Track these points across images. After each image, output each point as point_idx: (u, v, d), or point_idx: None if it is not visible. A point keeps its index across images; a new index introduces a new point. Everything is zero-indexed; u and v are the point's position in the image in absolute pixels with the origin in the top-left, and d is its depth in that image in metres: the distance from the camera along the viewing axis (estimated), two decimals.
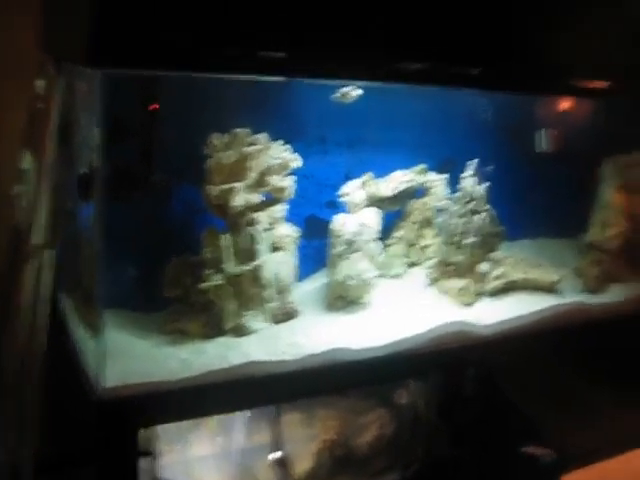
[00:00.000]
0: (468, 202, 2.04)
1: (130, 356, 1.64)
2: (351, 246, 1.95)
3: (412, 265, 2.24)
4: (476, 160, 2.06)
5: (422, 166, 2.24)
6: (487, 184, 2.06)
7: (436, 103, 2.17)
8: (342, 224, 1.97)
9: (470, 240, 2.04)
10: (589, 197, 2.48)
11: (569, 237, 2.58)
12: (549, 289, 2.18)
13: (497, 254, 2.19)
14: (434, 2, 1.64)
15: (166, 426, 1.77)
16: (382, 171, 2.20)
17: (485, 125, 2.30)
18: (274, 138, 1.89)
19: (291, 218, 2.05)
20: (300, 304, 1.94)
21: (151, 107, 1.74)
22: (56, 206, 1.68)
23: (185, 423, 1.89)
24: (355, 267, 1.94)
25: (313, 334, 1.80)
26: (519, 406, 2.21)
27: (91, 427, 1.53)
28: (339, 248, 1.96)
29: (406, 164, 2.24)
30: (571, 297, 2.20)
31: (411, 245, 2.24)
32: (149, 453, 1.70)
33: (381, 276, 2.13)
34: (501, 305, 2.09)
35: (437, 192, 2.23)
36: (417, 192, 2.26)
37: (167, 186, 1.76)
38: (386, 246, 2.19)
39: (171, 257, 1.83)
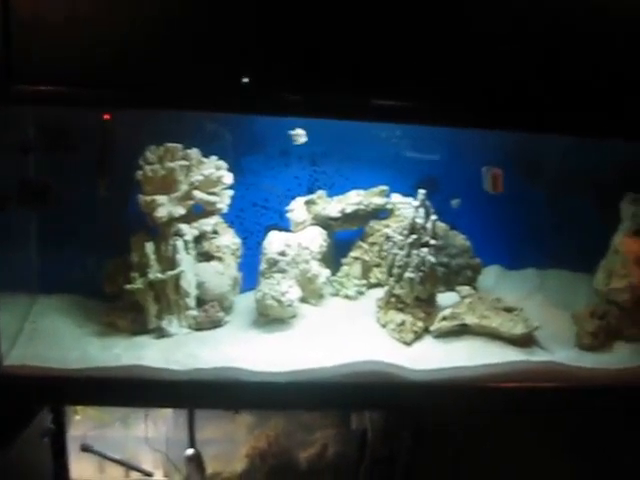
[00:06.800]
0: (408, 235, 1.86)
1: (47, 341, 1.84)
2: (274, 266, 1.94)
3: (374, 286, 2.12)
4: (423, 191, 1.88)
5: (382, 187, 2.12)
6: (434, 217, 1.87)
7: None
8: (269, 242, 1.96)
9: (409, 275, 1.86)
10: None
11: (589, 272, 2.12)
12: (511, 341, 1.85)
13: (464, 288, 2.03)
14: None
15: None
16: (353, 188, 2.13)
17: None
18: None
19: (252, 227, 2.10)
20: (235, 314, 1.99)
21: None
22: None
23: None
24: (275, 287, 1.90)
25: (219, 348, 1.82)
26: None
27: None
28: (263, 266, 1.96)
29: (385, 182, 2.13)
30: (547, 353, 1.85)
31: (374, 266, 2.12)
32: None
33: (333, 295, 2.10)
34: (444, 350, 1.84)
35: (401, 215, 2.08)
36: (381, 213, 2.14)
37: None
38: (342, 265, 2.13)
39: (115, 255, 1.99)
